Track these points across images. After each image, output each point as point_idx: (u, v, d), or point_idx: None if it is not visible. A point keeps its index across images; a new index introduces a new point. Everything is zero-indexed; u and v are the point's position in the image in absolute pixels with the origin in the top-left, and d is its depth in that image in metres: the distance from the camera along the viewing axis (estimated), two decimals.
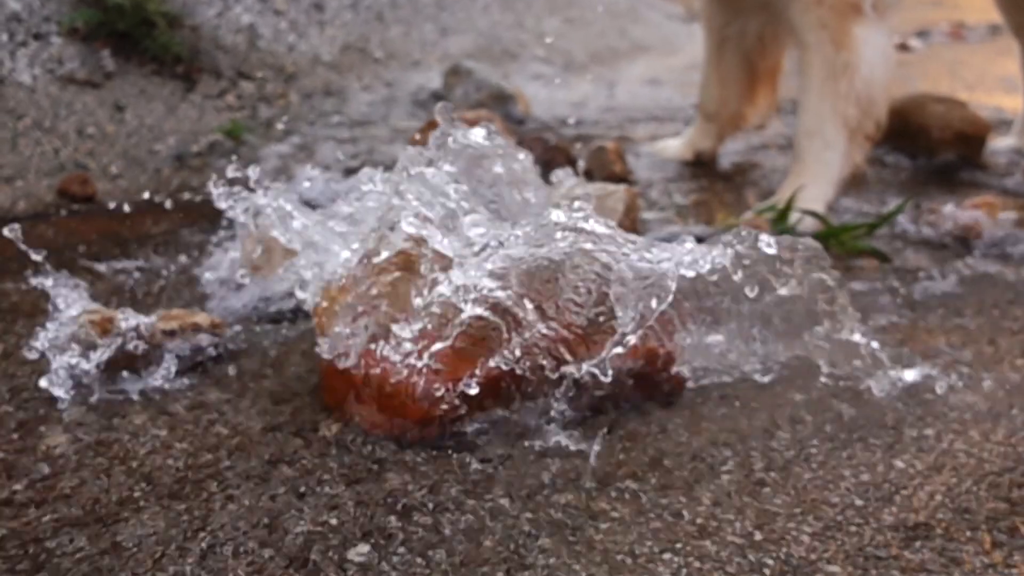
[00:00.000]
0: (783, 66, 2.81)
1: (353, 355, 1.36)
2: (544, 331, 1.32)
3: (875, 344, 1.51)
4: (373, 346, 1.36)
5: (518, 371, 1.31)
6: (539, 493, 1.22)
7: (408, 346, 1.32)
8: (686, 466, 1.29)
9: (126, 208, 2.34)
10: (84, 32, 3.17)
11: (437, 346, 1.29)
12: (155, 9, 3.20)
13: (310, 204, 1.91)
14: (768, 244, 1.40)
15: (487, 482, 1.24)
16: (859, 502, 1.23)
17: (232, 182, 1.77)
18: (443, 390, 1.30)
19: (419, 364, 1.30)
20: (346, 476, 1.25)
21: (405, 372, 1.31)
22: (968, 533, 1.17)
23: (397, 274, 1.36)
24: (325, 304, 1.45)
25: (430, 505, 1.19)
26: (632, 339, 1.28)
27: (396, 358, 1.32)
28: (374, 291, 1.38)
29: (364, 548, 1.11)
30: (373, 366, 1.33)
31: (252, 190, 1.80)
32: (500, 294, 1.29)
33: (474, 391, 1.30)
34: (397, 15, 4.07)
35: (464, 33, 4.16)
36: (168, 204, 2.33)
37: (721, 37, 2.76)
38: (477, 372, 1.31)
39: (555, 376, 1.33)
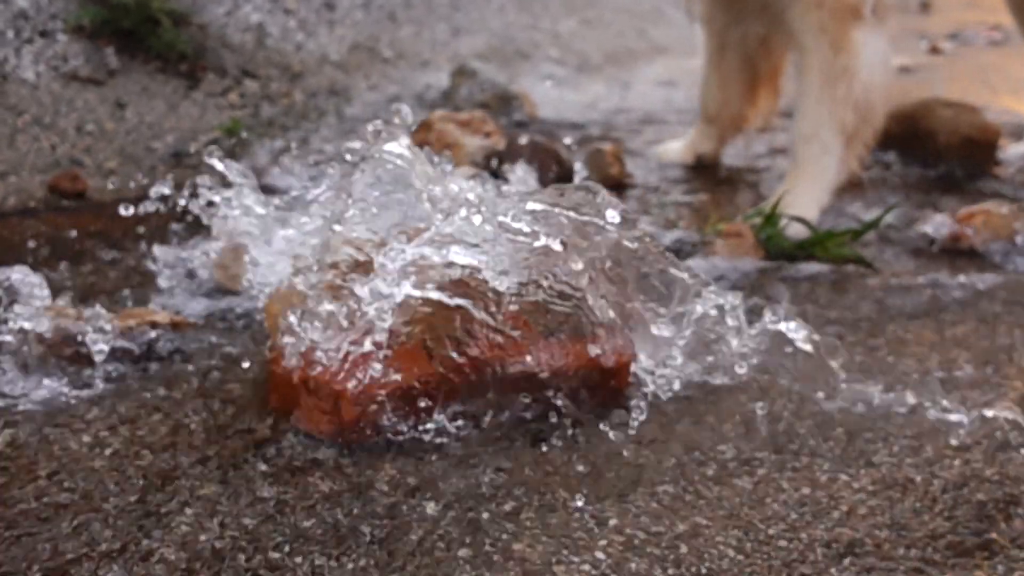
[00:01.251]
0: (784, 69, 2.78)
1: (295, 356, 1.36)
2: (483, 334, 1.31)
3: (835, 358, 1.48)
4: (314, 348, 1.36)
5: (455, 377, 1.31)
6: (465, 500, 1.21)
7: (347, 348, 1.32)
8: (623, 475, 1.28)
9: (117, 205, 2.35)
10: (90, 30, 3.20)
11: (370, 349, 1.29)
12: (159, 7, 3.23)
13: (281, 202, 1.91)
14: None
15: (415, 487, 1.23)
16: (794, 516, 1.21)
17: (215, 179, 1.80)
18: (378, 393, 1.30)
19: (356, 367, 1.30)
20: (273, 477, 1.25)
21: (341, 375, 1.31)
22: (902, 551, 1.15)
23: (343, 277, 1.36)
24: (274, 305, 1.46)
25: (353, 509, 1.19)
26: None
27: (334, 360, 1.32)
28: (320, 293, 1.38)
29: (276, 554, 1.11)
30: (312, 367, 1.33)
31: (230, 186, 1.82)
32: (434, 295, 1.28)
33: (409, 395, 1.30)
34: (409, 15, 4.08)
35: (477, 33, 4.16)
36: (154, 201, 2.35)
37: (722, 39, 2.73)
38: (414, 376, 1.30)
39: (495, 379, 1.33)
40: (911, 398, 1.46)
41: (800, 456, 1.33)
